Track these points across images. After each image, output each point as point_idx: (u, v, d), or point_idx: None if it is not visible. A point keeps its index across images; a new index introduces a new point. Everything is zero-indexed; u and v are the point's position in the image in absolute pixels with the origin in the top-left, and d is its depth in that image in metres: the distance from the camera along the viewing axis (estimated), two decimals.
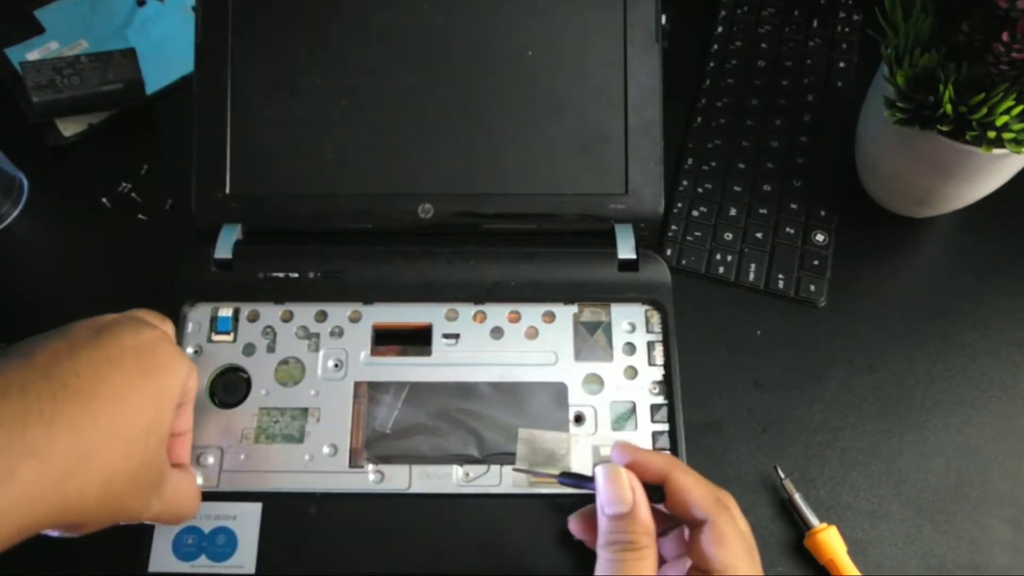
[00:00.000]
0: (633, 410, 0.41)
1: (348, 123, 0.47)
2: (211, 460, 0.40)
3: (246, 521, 0.39)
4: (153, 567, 0.38)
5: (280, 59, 0.47)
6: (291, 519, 0.39)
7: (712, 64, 0.57)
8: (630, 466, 0.34)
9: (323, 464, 0.40)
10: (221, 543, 0.38)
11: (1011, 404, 0.45)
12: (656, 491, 0.34)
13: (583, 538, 0.37)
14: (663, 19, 0.47)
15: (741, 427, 0.44)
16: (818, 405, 0.45)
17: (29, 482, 0.28)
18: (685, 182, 0.52)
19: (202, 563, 0.38)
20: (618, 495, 0.33)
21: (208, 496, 0.39)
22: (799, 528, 0.41)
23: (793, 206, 0.51)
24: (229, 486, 0.40)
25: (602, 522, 0.34)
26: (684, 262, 0.49)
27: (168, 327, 0.39)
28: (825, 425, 0.44)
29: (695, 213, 0.51)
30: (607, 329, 0.43)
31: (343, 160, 0.46)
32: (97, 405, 0.30)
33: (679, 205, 0.51)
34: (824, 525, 0.41)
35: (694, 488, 0.34)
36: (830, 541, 0.40)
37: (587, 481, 0.36)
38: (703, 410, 0.45)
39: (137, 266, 0.50)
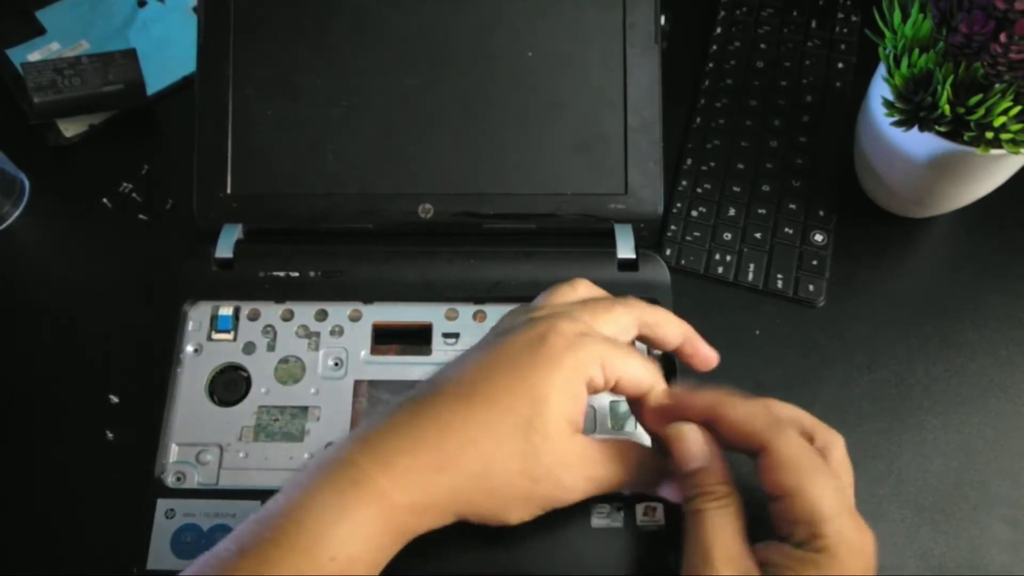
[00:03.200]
0: None
1: (349, 123, 0.47)
2: (210, 458, 0.40)
3: (245, 519, 0.39)
4: (151, 564, 0.38)
5: (281, 60, 0.47)
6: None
7: (711, 64, 0.57)
8: (682, 411, 0.34)
9: None
10: (219, 541, 0.38)
11: (1010, 404, 0.45)
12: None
13: (675, 498, 0.37)
14: (662, 19, 0.47)
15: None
16: (817, 405, 0.45)
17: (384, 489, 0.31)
18: (684, 182, 0.52)
19: None
20: (689, 452, 0.33)
21: (207, 494, 0.39)
22: None
23: (792, 206, 0.51)
24: (229, 484, 0.40)
25: (681, 481, 0.34)
26: (683, 262, 0.49)
27: (614, 316, 0.36)
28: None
29: (694, 213, 0.51)
30: None
31: (344, 160, 0.47)
32: (471, 405, 0.32)
33: (678, 205, 0.51)
34: None
35: (742, 420, 0.33)
36: None
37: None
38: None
39: (137, 266, 0.50)
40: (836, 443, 0.35)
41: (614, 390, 0.35)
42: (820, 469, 0.31)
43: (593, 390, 0.34)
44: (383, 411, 0.33)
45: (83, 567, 0.41)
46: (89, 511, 0.42)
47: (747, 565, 0.31)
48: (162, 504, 0.39)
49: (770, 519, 0.32)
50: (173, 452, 0.41)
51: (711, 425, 0.34)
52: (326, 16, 0.47)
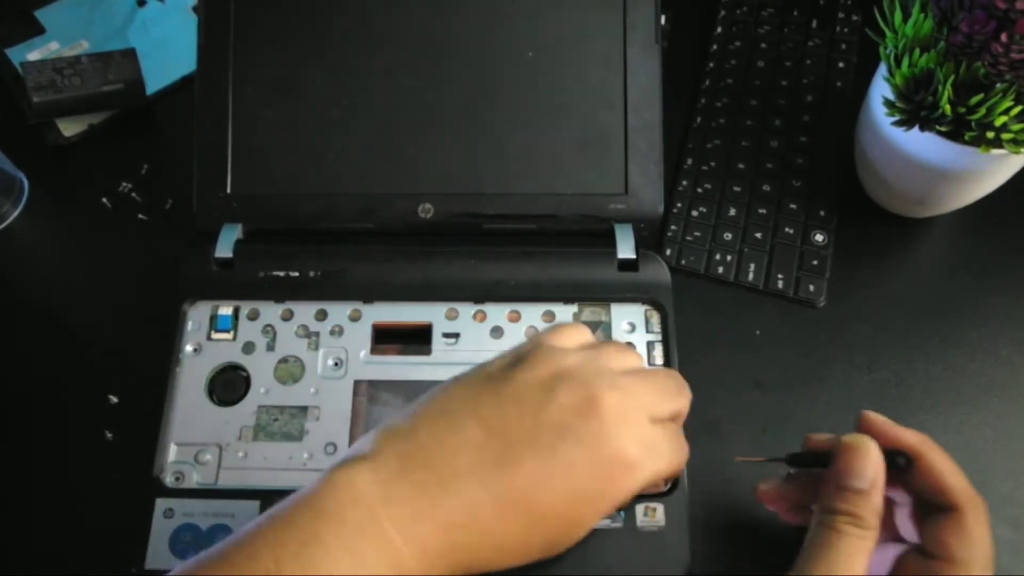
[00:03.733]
0: None
1: (348, 123, 0.47)
2: (209, 457, 0.40)
3: (244, 519, 0.39)
4: (150, 564, 0.38)
5: (281, 60, 0.47)
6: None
7: (711, 64, 0.57)
8: (879, 436, 0.34)
9: (322, 462, 0.40)
10: (219, 540, 0.38)
11: (1011, 404, 0.45)
12: (892, 462, 0.33)
13: (773, 506, 0.37)
14: (663, 19, 0.47)
15: (741, 427, 0.44)
16: (818, 405, 0.45)
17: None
18: (685, 182, 0.52)
19: None
20: (862, 469, 0.32)
21: (206, 493, 0.39)
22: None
23: (792, 206, 0.51)
24: (227, 483, 0.40)
25: (832, 490, 0.33)
26: (684, 262, 0.49)
27: (678, 404, 0.35)
28: (825, 425, 0.44)
29: (695, 213, 0.51)
30: (607, 329, 0.43)
31: (343, 160, 0.46)
32: (530, 525, 0.31)
33: (679, 205, 0.51)
34: None
35: (952, 474, 0.33)
36: None
37: (821, 460, 0.35)
38: (703, 410, 0.44)
39: (137, 266, 0.50)
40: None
41: None
42: (990, 557, 0.32)
43: None
44: (424, 474, 0.30)
45: (83, 567, 0.41)
46: (89, 511, 0.42)
47: None
48: (160, 504, 0.39)
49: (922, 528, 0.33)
50: (172, 452, 0.40)
51: (911, 463, 0.34)
52: (326, 17, 0.47)
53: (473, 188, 0.46)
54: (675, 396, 0.35)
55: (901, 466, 0.34)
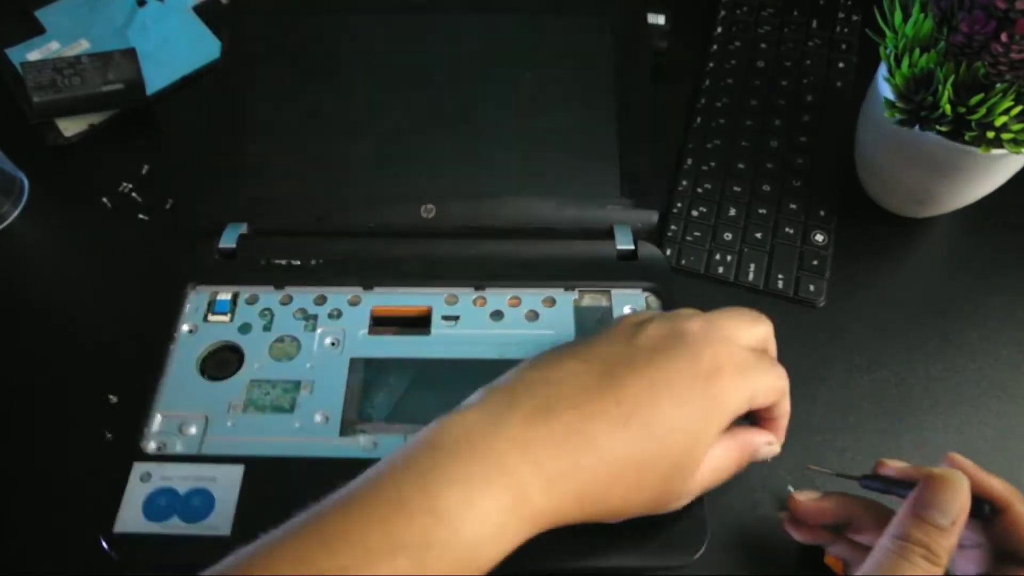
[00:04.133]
0: None
1: (353, 134, 0.48)
2: (194, 429, 0.39)
3: (226, 483, 0.37)
4: (119, 527, 0.36)
5: (291, 74, 0.48)
6: (274, 482, 0.37)
7: (711, 64, 0.57)
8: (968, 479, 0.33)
9: (313, 432, 0.39)
10: (196, 504, 0.36)
11: (1011, 404, 0.45)
12: (979, 508, 0.33)
13: (800, 516, 0.37)
14: (662, 19, 0.47)
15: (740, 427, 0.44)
16: (818, 405, 0.45)
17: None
18: (684, 182, 0.52)
19: (174, 524, 0.36)
20: (949, 505, 0.31)
21: (188, 459, 0.38)
22: (817, 545, 0.40)
23: (792, 206, 0.51)
24: (211, 451, 0.38)
25: (910, 519, 0.32)
26: (684, 262, 0.49)
27: (759, 329, 0.36)
28: (824, 425, 0.44)
29: (694, 213, 0.51)
30: (607, 314, 0.44)
31: (346, 174, 0.47)
32: (628, 433, 0.31)
33: (678, 205, 0.51)
34: None
35: (984, 476, 0.33)
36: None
37: (899, 487, 0.34)
38: None
39: (138, 266, 0.50)
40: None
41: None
42: None
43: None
44: (531, 401, 0.31)
45: (83, 567, 0.41)
46: (89, 511, 0.42)
47: None
48: (138, 468, 0.37)
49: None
50: (156, 422, 0.39)
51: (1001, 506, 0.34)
52: (334, 31, 0.48)
53: (474, 196, 0.47)
54: (755, 322, 0.36)
55: (986, 515, 0.33)
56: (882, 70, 0.45)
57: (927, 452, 0.44)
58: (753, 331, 0.36)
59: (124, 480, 0.37)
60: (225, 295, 0.43)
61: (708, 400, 0.32)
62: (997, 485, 0.34)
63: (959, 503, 0.32)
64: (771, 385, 0.35)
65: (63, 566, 0.40)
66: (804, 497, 0.37)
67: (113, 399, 0.45)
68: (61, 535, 0.41)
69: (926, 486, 0.32)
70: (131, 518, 0.36)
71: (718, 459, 0.34)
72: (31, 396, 0.46)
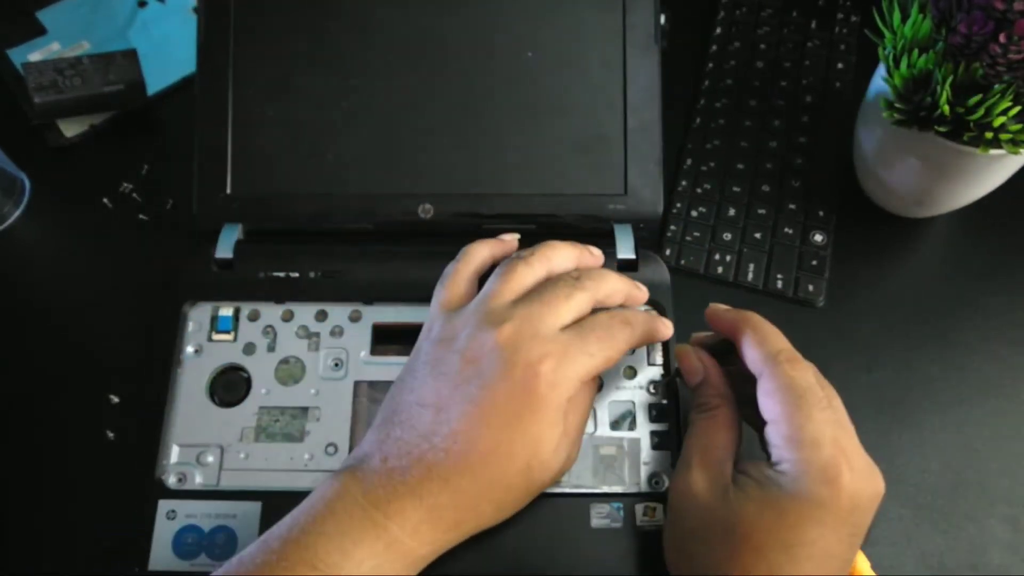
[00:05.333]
0: (632, 410, 0.41)
1: (348, 123, 0.47)
2: (211, 459, 0.40)
3: (246, 520, 0.39)
4: (153, 565, 0.38)
5: (281, 60, 0.47)
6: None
7: (711, 65, 0.57)
8: (712, 323, 0.38)
9: (323, 463, 0.40)
10: (221, 542, 0.38)
11: (1010, 404, 0.45)
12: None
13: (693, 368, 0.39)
14: (662, 19, 0.47)
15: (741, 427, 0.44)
16: None
17: (424, 542, 0.34)
18: (684, 182, 0.52)
19: (202, 561, 0.38)
20: (688, 367, 0.38)
21: (208, 495, 0.39)
22: None
23: (792, 206, 0.51)
24: (229, 484, 0.40)
25: (692, 395, 0.38)
26: (683, 262, 0.49)
27: (574, 297, 0.36)
28: None
29: (694, 213, 0.51)
30: None
31: (343, 160, 0.47)
32: (471, 464, 0.34)
33: (678, 205, 0.51)
34: None
35: (748, 347, 0.35)
36: (855, 562, 0.39)
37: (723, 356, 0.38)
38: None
39: (138, 266, 0.50)
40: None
41: None
42: (811, 400, 0.32)
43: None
44: (398, 471, 0.34)
45: (83, 567, 0.41)
46: (90, 511, 0.42)
47: (722, 469, 0.34)
48: (163, 505, 0.39)
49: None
50: (174, 453, 0.41)
51: (733, 340, 0.36)
52: (326, 17, 0.47)
53: (473, 188, 0.46)
54: (570, 289, 0.36)
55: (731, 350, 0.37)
56: (881, 71, 0.45)
57: (925, 452, 0.44)
58: (568, 306, 0.36)
59: (151, 517, 0.39)
60: (227, 311, 0.44)
61: (536, 402, 0.34)
62: (726, 319, 0.37)
63: (693, 362, 0.38)
64: (594, 358, 0.35)
65: None
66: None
67: (114, 399, 0.46)
68: (86, 567, 0.41)
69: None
70: (163, 556, 0.38)
71: (574, 435, 0.36)
72: (32, 395, 0.46)
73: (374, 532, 0.32)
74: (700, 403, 0.37)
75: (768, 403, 0.33)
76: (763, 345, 0.34)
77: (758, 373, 0.34)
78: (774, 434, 0.33)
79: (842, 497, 0.31)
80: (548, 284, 0.37)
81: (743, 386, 0.36)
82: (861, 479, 0.32)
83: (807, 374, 0.33)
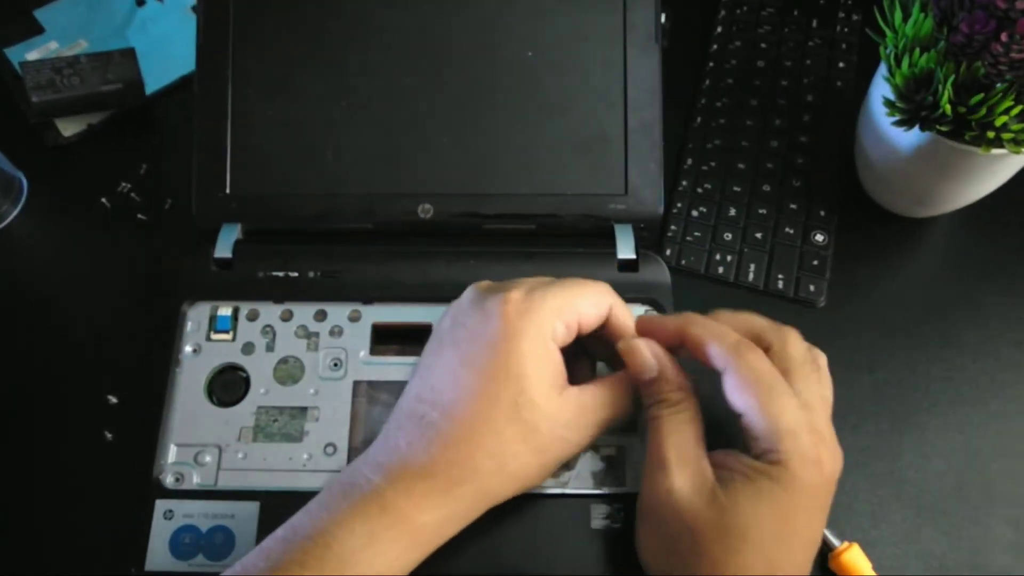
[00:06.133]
0: None
1: (348, 123, 0.47)
2: (209, 459, 0.40)
3: (244, 520, 0.39)
4: (150, 565, 0.38)
5: (280, 59, 0.47)
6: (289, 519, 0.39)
7: (711, 64, 0.57)
8: (648, 335, 0.36)
9: (322, 463, 0.40)
10: (219, 542, 0.38)
11: (1011, 404, 0.45)
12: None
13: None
14: (663, 19, 0.47)
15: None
16: None
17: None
18: (684, 182, 0.52)
19: (199, 562, 0.38)
20: (641, 364, 0.35)
21: (206, 495, 0.39)
22: (821, 549, 0.41)
23: (793, 206, 0.51)
24: (227, 484, 0.40)
25: (641, 393, 0.36)
26: (684, 262, 0.49)
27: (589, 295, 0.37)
28: None
29: (694, 213, 0.51)
30: None
31: (343, 160, 0.46)
32: (460, 415, 0.34)
33: (678, 205, 0.51)
34: (847, 544, 0.40)
35: (706, 340, 0.34)
36: (855, 560, 0.39)
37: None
38: (703, 411, 0.44)
39: (137, 266, 0.50)
40: (789, 338, 0.35)
41: (582, 331, 0.36)
42: (779, 389, 0.33)
43: (562, 342, 0.35)
44: (392, 435, 0.35)
45: (82, 567, 0.41)
46: (88, 511, 0.42)
47: (701, 467, 0.33)
48: (160, 505, 0.39)
49: (738, 435, 0.34)
50: (172, 453, 0.40)
51: (684, 346, 0.36)
52: (325, 16, 0.47)
53: (473, 188, 0.46)
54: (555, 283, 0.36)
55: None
56: (882, 70, 0.45)
57: (927, 452, 0.44)
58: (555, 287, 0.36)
59: (148, 517, 0.39)
60: (225, 310, 0.44)
61: (508, 329, 0.34)
62: (668, 325, 0.36)
63: (646, 356, 0.36)
64: (578, 301, 0.35)
65: None
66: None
67: (113, 399, 0.45)
68: (84, 567, 0.41)
69: (626, 364, 0.36)
70: (160, 556, 0.38)
71: (585, 400, 0.35)
72: (30, 395, 0.46)
73: (372, 497, 0.33)
74: (661, 400, 0.35)
75: (739, 397, 0.33)
76: (719, 341, 0.34)
77: (721, 369, 0.34)
78: (753, 426, 0.33)
79: (825, 478, 0.32)
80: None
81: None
82: (836, 457, 0.33)
83: (765, 362, 0.33)
